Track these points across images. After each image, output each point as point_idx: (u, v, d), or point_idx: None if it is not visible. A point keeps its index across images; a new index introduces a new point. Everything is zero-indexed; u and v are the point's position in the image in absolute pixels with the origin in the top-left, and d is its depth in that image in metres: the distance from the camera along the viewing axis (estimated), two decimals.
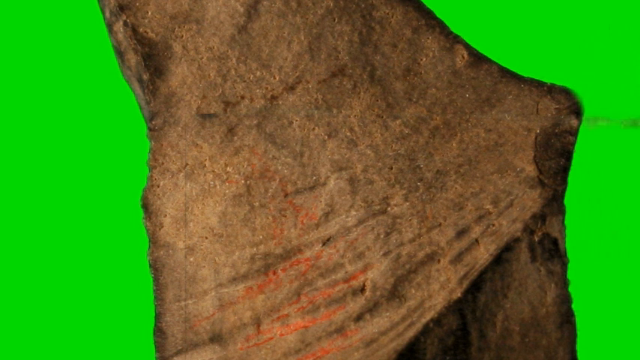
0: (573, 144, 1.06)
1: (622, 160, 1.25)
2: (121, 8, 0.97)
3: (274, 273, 1.01)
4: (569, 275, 1.10)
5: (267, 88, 1.00)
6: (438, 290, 1.05)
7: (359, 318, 1.04)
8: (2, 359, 1.31)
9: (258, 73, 1.00)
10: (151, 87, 0.98)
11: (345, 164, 1.02)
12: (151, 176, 0.99)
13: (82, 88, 1.31)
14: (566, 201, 1.07)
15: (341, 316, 1.02)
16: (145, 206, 0.98)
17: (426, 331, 1.05)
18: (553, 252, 1.08)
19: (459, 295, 1.05)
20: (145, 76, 0.98)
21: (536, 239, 1.07)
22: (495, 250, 1.06)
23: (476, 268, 1.05)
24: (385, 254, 1.03)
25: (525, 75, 1.05)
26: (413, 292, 1.04)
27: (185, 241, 0.99)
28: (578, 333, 1.11)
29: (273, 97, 1.00)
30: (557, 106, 1.05)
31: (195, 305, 0.99)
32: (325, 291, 1.03)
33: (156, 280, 0.99)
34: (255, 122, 1.00)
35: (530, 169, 1.05)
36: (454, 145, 1.04)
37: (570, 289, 1.10)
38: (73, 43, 1.31)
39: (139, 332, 1.20)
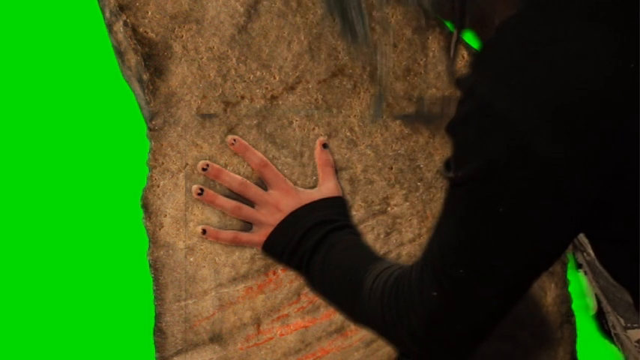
0: None
1: None
2: (121, 8, 0.97)
3: (274, 273, 1.01)
4: (569, 275, 1.10)
5: (267, 88, 1.00)
6: None
7: None
8: (2, 359, 1.31)
9: (258, 73, 1.00)
10: (151, 87, 0.98)
11: (345, 164, 1.02)
12: (151, 176, 0.99)
13: (82, 88, 1.31)
14: None
15: (341, 316, 1.02)
16: (145, 206, 0.98)
17: None
18: None
19: None
20: (145, 76, 0.98)
21: None
22: None
23: None
24: (385, 254, 1.03)
25: None
26: None
27: (185, 241, 0.99)
28: (578, 333, 1.11)
29: (273, 97, 1.00)
30: None
31: (195, 305, 0.99)
32: None
33: (156, 280, 0.99)
34: (255, 122, 1.00)
35: None
36: None
37: (570, 289, 1.10)
38: (73, 43, 1.31)
39: (139, 332, 1.20)
